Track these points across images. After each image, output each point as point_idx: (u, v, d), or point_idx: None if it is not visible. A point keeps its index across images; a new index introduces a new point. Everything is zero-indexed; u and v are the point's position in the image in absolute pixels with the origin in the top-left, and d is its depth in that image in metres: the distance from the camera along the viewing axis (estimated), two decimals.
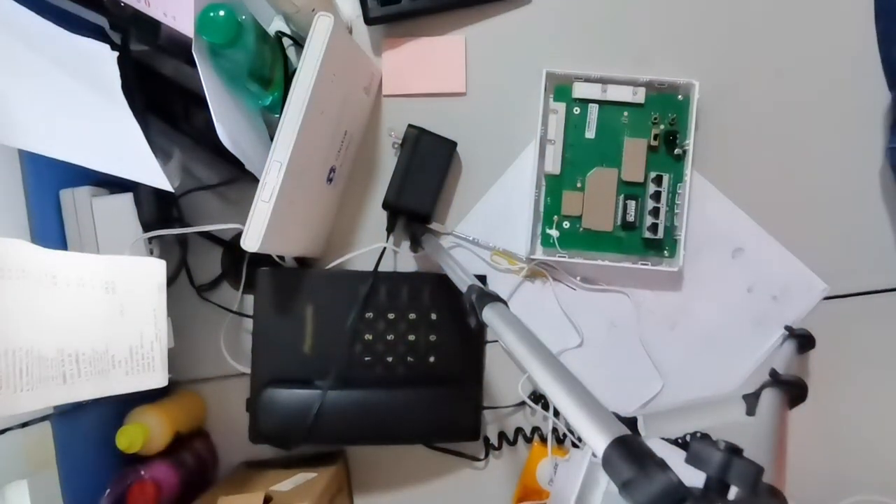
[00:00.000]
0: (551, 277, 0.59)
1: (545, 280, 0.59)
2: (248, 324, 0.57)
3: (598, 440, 0.23)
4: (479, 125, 0.59)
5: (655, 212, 0.56)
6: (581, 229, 0.57)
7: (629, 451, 0.21)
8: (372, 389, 0.54)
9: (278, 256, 0.56)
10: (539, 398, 0.58)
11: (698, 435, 0.54)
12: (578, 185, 0.57)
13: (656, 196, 0.56)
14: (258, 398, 0.53)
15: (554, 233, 0.57)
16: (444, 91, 0.58)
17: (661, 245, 0.57)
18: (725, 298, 0.59)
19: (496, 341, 0.58)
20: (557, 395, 0.27)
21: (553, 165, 0.57)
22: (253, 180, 0.47)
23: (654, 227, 0.56)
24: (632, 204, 0.56)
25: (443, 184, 0.57)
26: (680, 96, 0.57)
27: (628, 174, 0.57)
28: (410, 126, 0.56)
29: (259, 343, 0.54)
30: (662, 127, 0.57)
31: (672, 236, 0.57)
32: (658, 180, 0.56)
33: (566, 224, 0.57)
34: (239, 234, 0.46)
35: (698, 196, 0.58)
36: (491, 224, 0.59)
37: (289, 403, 0.52)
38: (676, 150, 0.57)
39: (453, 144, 0.57)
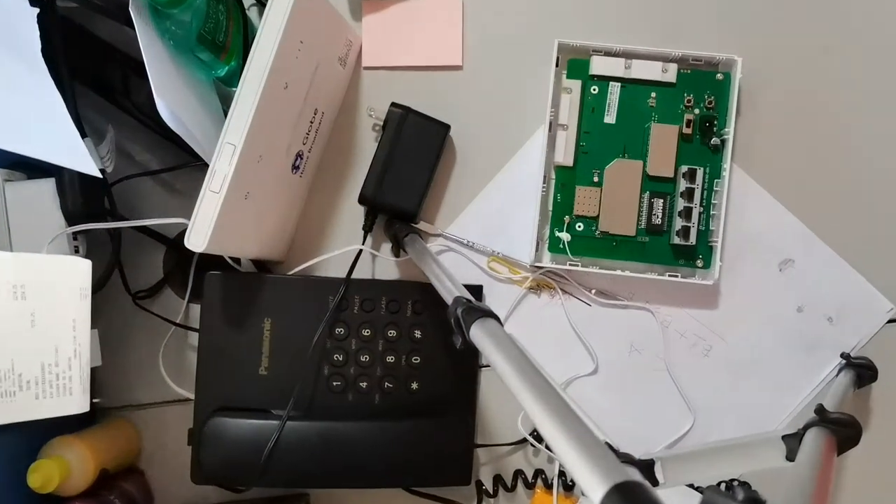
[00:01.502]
0: (560, 290, 0.58)
1: (553, 293, 0.58)
2: (194, 339, 0.57)
3: (594, 486, 0.22)
4: (477, 105, 0.58)
5: (687, 213, 0.55)
6: (597, 233, 0.57)
7: (631, 500, 0.21)
8: (341, 421, 0.53)
9: (232, 258, 0.55)
10: None
11: (729, 483, 0.53)
12: (595, 179, 0.57)
13: (689, 194, 0.56)
14: (203, 429, 0.52)
15: (564, 236, 0.56)
16: (435, 64, 0.58)
17: (693, 253, 0.57)
18: (770, 319, 0.58)
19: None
20: (547, 428, 0.26)
21: (565, 155, 0.56)
22: (203, 166, 0.46)
23: (685, 232, 0.55)
24: (659, 203, 0.56)
25: (432, 175, 0.57)
26: (719, 75, 0.56)
27: (655, 167, 0.56)
28: (394, 105, 0.56)
29: (206, 362, 0.54)
30: (697, 111, 0.56)
31: (707, 242, 0.56)
32: (691, 175, 0.56)
33: (579, 226, 0.57)
34: (184, 231, 0.45)
35: (739, 195, 0.57)
36: (489, 225, 0.58)
37: (240, 436, 0.52)
38: (713, 140, 0.56)
39: (446, 128, 0.56)
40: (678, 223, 0.56)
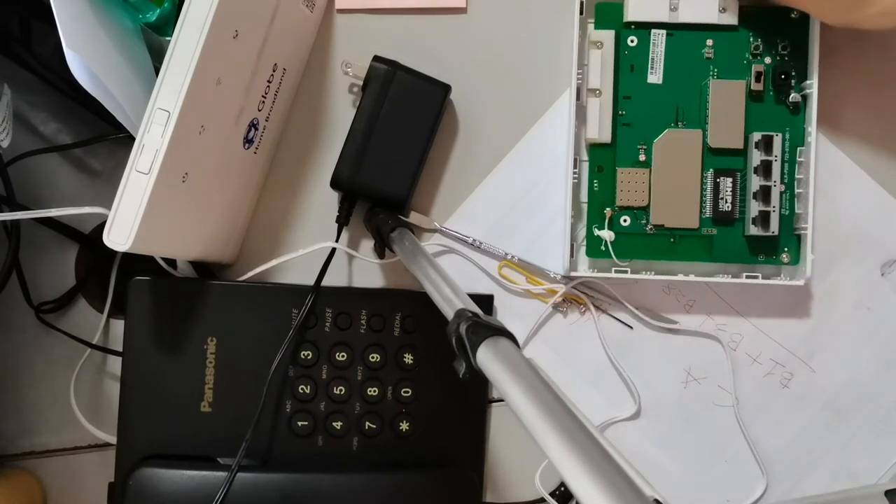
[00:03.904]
0: (594, 306, 0.58)
1: (584, 310, 0.58)
2: (116, 365, 0.57)
3: None
4: (485, 61, 0.58)
5: (765, 193, 0.55)
6: (649, 227, 0.56)
7: None
8: (308, 473, 0.53)
9: (165, 260, 0.55)
10: (569, 495, 0.57)
11: None
12: (641, 158, 0.56)
13: (765, 168, 0.55)
14: (128, 483, 0.52)
15: (607, 235, 0.56)
16: (431, 5, 0.58)
17: (776, 245, 0.56)
18: (869, 339, 0.58)
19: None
20: (580, 483, 0.26)
21: (600, 129, 0.56)
22: (129, 140, 0.46)
23: (763, 218, 0.55)
24: (727, 183, 0.56)
25: (427, 152, 0.57)
26: (794, 13, 0.56)
27: (719, 137, 0.56)
28: (378, 59, 0.56)
29: (131, 396, 0.54)
30: (769, 61, 0.56)
31: (792, 231, 0.56)
32: (766, 144, 0.55)
33: (625, 220, 0.56)
34: (103, 224, 0.45)
35: (826, 174, 0.57)
36: (501, 218, 0.59)
37: (176, 492, 0.52)
38: (792, 96, 0.56)
39: (445, 90, 0.56)
40: (754, 208, 0.55)
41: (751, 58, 0.56)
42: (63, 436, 0.58)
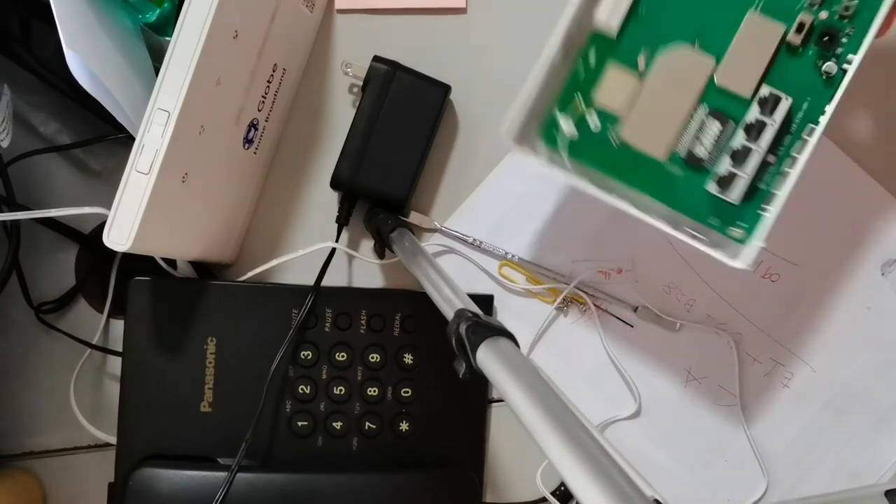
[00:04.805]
0: (594, 305, 0.58)
1: (584, 309, 0.58)
2: (116, 365, 0.57)
3: None
4: (486, 61, 0.58)
5: (744, 155, 0.48)
6: (616, 139, 0.50)
7: None
8: (308, 473, 0.53)
9: (165, 260, 0.55)
10: (568, 495, 0.57)
11: None
12: (640, 64, 0.49)
13: (758, 130, 0.48)
14: (128, 483, 0.52)
15: (567, 126, 0.49)
16: (431, 6, 0.58)
17: (734, 216, 0.49)
18: (870, 340, 0.58)
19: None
20: (580, 483, 0.26)
21: (611, 14, 0.49)
22: (128, 140, 0.46)
23: (727, 182, 0.48)
24: (713, 126, 0.48)
25: (427, 152, 0.57)
26: None
27: (729, 75, 0.48)
28: (378, 59, 0.56)
29: (131, 396, 0.54)
30: (824, 15, 0.48)
31: (758, 206, 0.49)
32: (772, 104, 0.48)
33: (594, 121, 0.50)
34: (103, 225, 0.45)
35: (827, 170, 0.57)
36: (502, 218, 0.59)
37: (176, 492, 0.52)
38: (827, 65, 0.48)
39: (445, 90, 0.56)
40: (724, 165, 0.48)
41: (806, 5, 0.48)
42: (63, 436, 0.58)
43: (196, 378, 0.54)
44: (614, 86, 0.49)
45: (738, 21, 0.49)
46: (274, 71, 0.54)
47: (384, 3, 0.58)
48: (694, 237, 0.47)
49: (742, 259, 0.46)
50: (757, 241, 0.46)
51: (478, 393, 0.58)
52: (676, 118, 0.49)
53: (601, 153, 0.49)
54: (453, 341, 0.39)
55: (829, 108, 0.48)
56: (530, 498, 0.58)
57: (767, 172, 0.48)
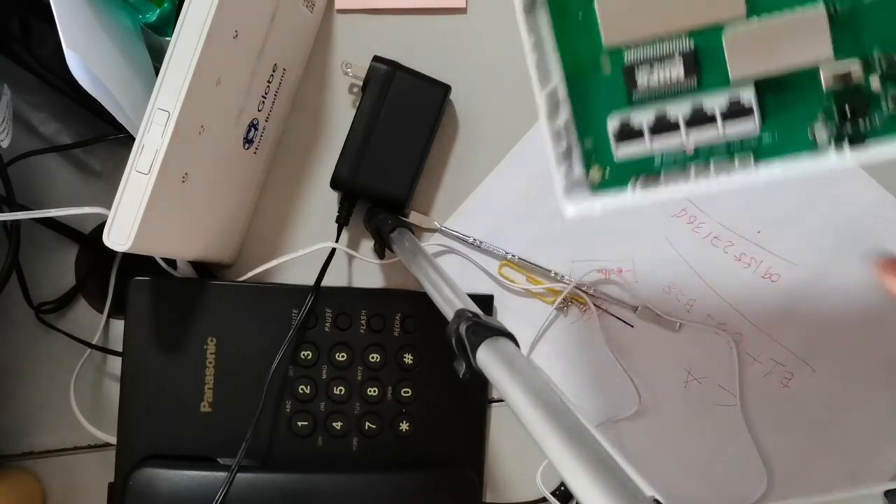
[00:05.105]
0: (593, 305, 0.58)
1: (583, 308, 0.58)
2: (116, 365, 0.57)
3: None
4: (486, 61, 0.58)
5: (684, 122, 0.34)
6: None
7: None
8: (308, 473, 0.53)
9: (165, 260, 0.55)
10: (568, 495, 0.57)
11: None
12: None
13: (729, 113, 0.34)
14: (128, 483, 0.52)
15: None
16: (431, 5, 0.58)
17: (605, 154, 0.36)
18: (871, 339, 0.58)
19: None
20: (580, 483, 0.26)
21: None
22: (128, 140, 0.47)
23: (629, 131, 0.35)
24: (676, 70, 0.34)
25: (427, 151, 0.57)
26: None
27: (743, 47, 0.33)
28: (377, 60, 0.56)
29: (131, 396, 0.54)
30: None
31: (634, 172, 0.36)
32: (741, 112, 0.34)
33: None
34: (103, 225, 0.45)
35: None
36: (502, 217, 0.59)
37: (176, 492, 0.52)
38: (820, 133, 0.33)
39: (445, 90, 0.56)
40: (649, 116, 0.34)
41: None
42: (63, 436, 0.58)
43: (196, 378, 0.54)
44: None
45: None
46: (274, 71, 0.54)
47: (384, 3, 0.58)
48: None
49: (572, 205, 0.36)
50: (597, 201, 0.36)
51: (478, 393, 0.58)
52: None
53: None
54: (453, 341, 0.39)
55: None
56: (530, 498, 0.58)
57: (679, 156, 0.35)
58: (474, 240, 0.58)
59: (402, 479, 0.54)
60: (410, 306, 0.56)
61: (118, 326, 0.58)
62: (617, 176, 0.37)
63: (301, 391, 0.55)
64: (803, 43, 0.32)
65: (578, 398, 0.58)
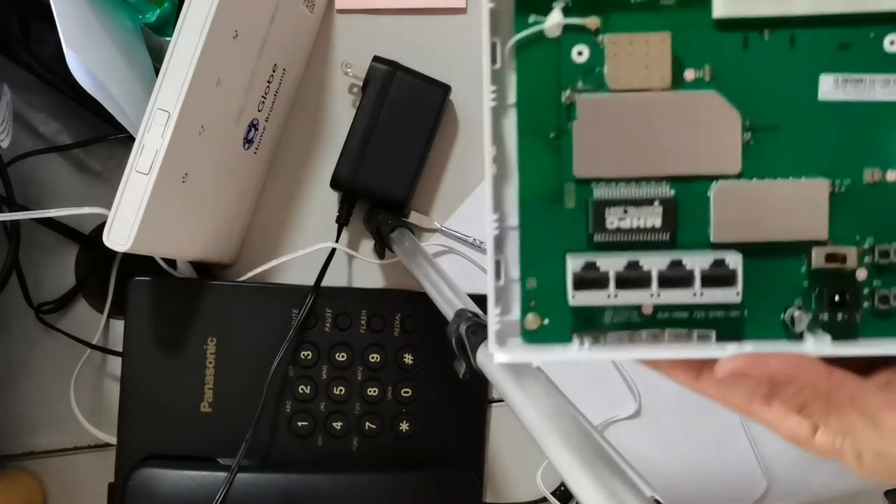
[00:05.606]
0: None
1: None
2: (116, 365, 0.57)
3: None
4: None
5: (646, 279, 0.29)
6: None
7: None
8: (308, 473, 0.53)
9: (165, 261, 0.55)
10: (568, 495, 0.57)
11: None
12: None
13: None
14: (128, 483, 0.52)
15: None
16: (431, 6, 0.58)
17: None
18: None
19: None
20: (581, 484, 0.26)
21: None
22: (128, 140, 0.47)
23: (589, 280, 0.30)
24: (653, 215, 0.29)
25: (427, 152, 0.57)
26: None
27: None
28: (377, 60, 0.56)
29: (131, 396, 0.54)
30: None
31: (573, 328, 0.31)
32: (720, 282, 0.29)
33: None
34: (103, 225, 0.45)
35: None
36: None
37: (176, 492, 0.52)
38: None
39: (445, 90, 0.57)
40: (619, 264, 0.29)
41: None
42: (63, 436, 0.58)
43: (196, 378, 0.54)
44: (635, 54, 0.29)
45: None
46: (274, 71, 0.54)
47: (384, 3, 0.58)
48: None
49: (503, 353, 0.31)
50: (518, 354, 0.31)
51: (478, 393, 0.57)
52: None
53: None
54: (453, 341, 0.39)
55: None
56: (530, 498, 0.58)
57: (633, 315, 0.31)
58: (474, 240, 0.58)
59: (402, 480, 0.54)
60: (410, 306, 0.56)
61: (118, 326, 0.57)
62: (557, 327, 0.31)
63: (301, 391, 0.55)
64: (799, 216, 0.29)
65: (578, 398, 0.58)
